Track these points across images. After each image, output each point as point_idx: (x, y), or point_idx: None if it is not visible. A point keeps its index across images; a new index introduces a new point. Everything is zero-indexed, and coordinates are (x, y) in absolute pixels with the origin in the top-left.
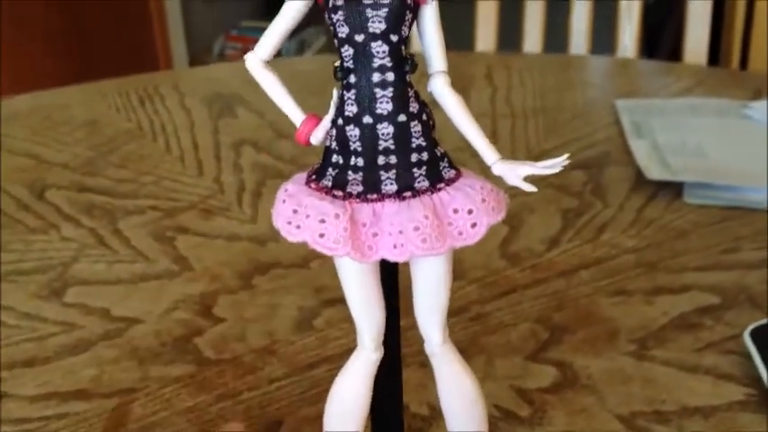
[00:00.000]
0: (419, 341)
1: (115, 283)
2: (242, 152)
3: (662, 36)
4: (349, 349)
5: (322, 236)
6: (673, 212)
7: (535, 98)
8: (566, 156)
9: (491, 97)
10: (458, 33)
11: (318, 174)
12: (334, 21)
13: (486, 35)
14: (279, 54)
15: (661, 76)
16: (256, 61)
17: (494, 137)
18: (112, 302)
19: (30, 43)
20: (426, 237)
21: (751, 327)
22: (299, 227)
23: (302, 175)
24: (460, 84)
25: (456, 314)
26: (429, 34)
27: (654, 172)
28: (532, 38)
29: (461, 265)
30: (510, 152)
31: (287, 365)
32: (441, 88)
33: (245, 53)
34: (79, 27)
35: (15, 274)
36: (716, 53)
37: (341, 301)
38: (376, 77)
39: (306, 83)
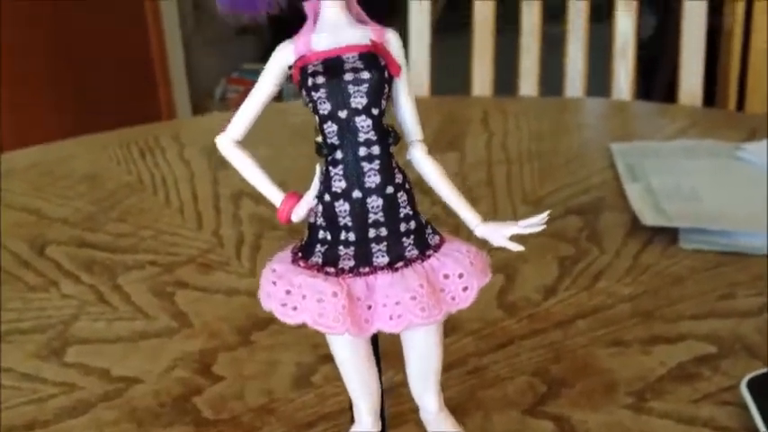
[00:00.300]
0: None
1: (115, 342)
2: (241, 204)
3: (657, 73)
4: (346, 408)
5: (321, 315)
6: (668, 258)
7: (531, 142)
8: (547, 213)
9: (487, 143)
10: (454, 74)
11: (305, 251)
12: (315, 98)
13: (482, 77)
14: (280, 97)
15: (656, 118)
16: (228, 141)
17: (490, 184)
18: (112, 362)
19: (31, 95)
20: (424, 305)
21: (747, 377)
22: (295, 308)
23: (285, 254)
24: (457, 129)
25: (452, 368)
26: (403, 105)
27: (648, 218)
28: (529, 80)
29: (458, 317)
30: (506, 199)
31: (285, 424)
32: (419, 157)
33: (246, 96)
34: (80, 75)
35: (15, 333)
36: (712, 93)
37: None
38: (362, 151)
39: (299, 129)
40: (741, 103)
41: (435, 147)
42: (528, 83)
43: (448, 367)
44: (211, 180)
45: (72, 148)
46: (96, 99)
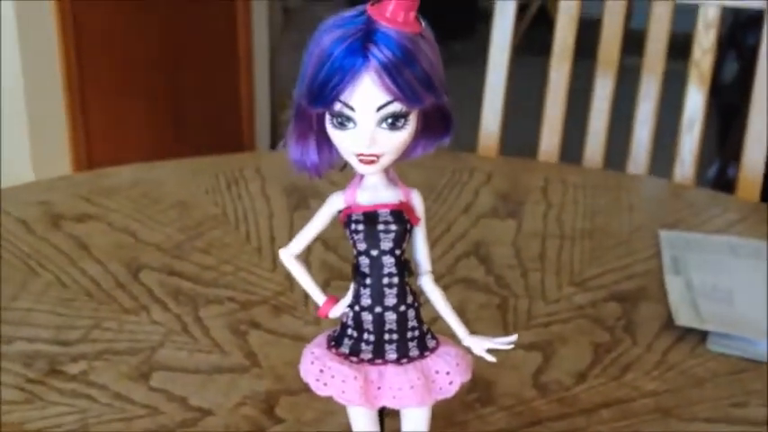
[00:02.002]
0: None
1: (194, 372)
2: (312, 248)
3: (735, 120)
4: None
5: (344, 392)
6: (695, 358)
7: (585, 219)
8: (515, 337)
9: (544, 215)
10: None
11: (336, 341)
12: (355, 239)
13: (550, 139)
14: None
15: (708, 207)
16: (288, 255)
17: (542, 259)
18: (191, 392)
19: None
20: (419, 393)
21: None
22: (325, 384)
23: (322, 339)
24: (517, 195)
25: None
26: (419, 245)
27: (682, 318)
28: (594, 140)
29: (495, 389)
30: (554, 276)
31: None
32: (428, 285)
33: None
34: (170, 79)
35: (110, 353)
36: None
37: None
38: (386, 280)
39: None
40: None
41: (496, 213)
42: (594, 141)
43: None
44: (288, 221)
45: (167, 171)
46: (182, 93)
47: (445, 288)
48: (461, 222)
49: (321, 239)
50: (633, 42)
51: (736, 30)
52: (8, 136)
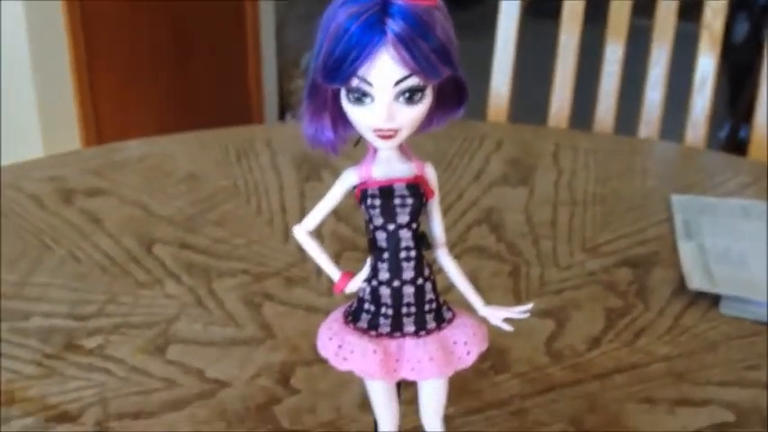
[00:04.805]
0: None
1: (209, 345)
2: (324, 221)
3: (746, 81)
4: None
5: (363, 366)
6: (708, 322)
7: (597, 184)
8: (531, 305)
9: (555, 181)
10: (530, 98)
11: (354, 316)
12: (371, 214)
13: (560, 104)
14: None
15: (720, 171)
16: (302, 231)
17: (553, 225)
18: (207, 364)
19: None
20: (438, 365)
21: None
22: (345, 359)
23: (338, 315)
24: (528, 162)
25: (499, 407)
26: (434, 218)
27: (695, 282)
28: (605, 103)
29: (508, 356)
30: (566, 243)
31: None
32: (444, 258)
33: None
34: (178, 54)
35: (126, 326)
36: None
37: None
38: (403, 254)
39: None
40: None
41: (506, 180)
42: (604, 105)
43: (494, 405)
44: (299, 193)
45: (175, 144)
46: (190, 66)
47: (457, 257)
48: (472, 190)
49: (333, 210)
50: (643, 3)
51: None
52: (18, 112)
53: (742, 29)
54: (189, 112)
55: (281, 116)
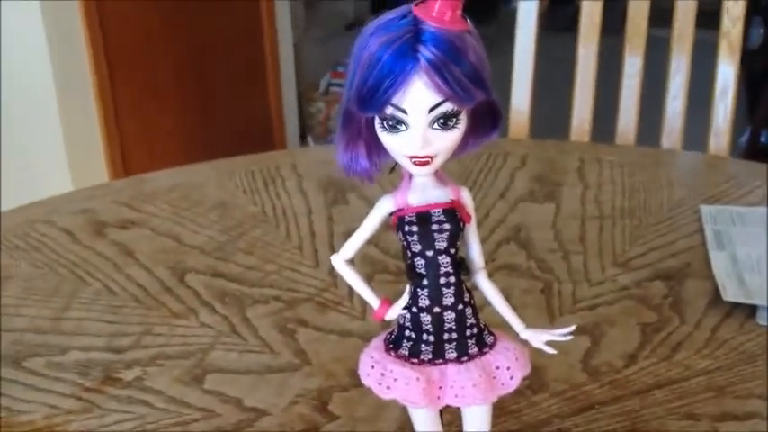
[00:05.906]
0: None
1: (246, 373)
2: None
3: (760, 101)
4: None
5: (407, 394)
6: (745, 333)
7: (624, 198)
8: (573, 327)
9: (582, 196)
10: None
11: (395, 344)
12: (409, 240)
13: (581, 121)
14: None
15: (747, 179)
16: (340, 260)
17: (582, 241)
18: (244, 392)
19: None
20: (482, 390)
21: None
22: (388, 387)
23: (378, 342)
24: (553, 177)
25: (539, 427)
26: (472, 243)
27: (729, 293)
28: (626, 116)
29: (545, 375)
30: (597, 258)
31: None
32: (484, 282)
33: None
34: (200, 75)
35: (163, 357)
36: None
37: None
38: (442, 280)
39: None
40: None
41: (533, 197)
42: (626, 118)
43: (534, 426)
44: (327, 217)
45: (204, 172)
46: (211, 94)
47: (488, 275)
48: (499, 208)
49: None
50: (660, 14)
51: None
52: (45, 147)
53: (757, 34)
54: (213, 141)
55: (303, 138)
